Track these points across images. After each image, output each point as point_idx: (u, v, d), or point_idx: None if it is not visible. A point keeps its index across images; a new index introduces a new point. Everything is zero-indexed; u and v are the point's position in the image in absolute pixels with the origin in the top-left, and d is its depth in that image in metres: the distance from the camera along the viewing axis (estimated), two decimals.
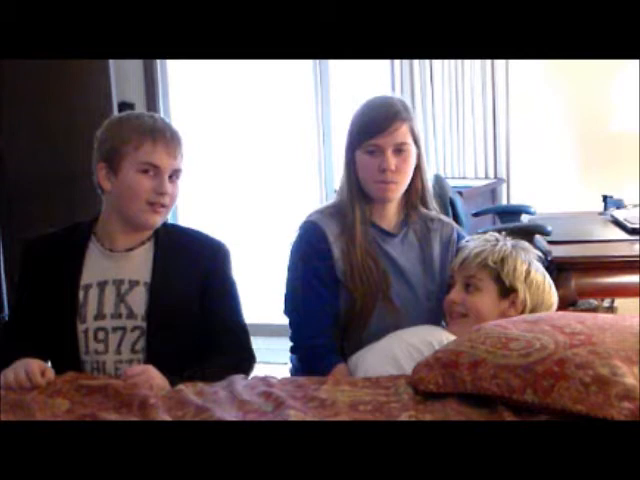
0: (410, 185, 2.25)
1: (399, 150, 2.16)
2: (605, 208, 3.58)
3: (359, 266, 2.18)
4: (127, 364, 2.04)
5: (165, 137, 2.00)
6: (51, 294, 2.05)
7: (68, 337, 2.04)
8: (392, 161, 2.14)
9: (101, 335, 2.04)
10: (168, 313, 2.05)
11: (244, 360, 2.14)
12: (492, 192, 4.26)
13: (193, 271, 2.11)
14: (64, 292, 2.04)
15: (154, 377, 1.89)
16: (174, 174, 2.04)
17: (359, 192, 2.22)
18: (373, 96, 2.28)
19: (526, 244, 2.22)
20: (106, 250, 2.08)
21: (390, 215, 2.26)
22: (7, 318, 3.23)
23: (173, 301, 2.06)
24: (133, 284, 2.06)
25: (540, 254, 2.27)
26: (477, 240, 2.21)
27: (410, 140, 2.17)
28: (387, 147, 2.15)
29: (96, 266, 2.08)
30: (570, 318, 1.82)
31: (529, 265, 2.13)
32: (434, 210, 2.34)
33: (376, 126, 2.16)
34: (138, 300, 2.05)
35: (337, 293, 2.21)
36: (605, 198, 3.62)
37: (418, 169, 2.23)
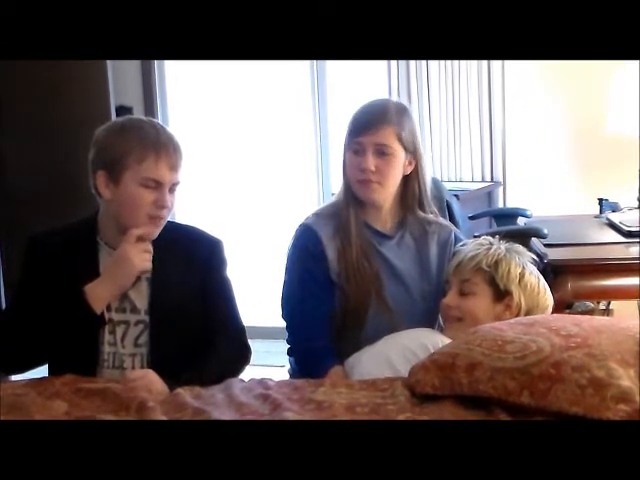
0: (406, 189, 2.26)
1: (382, 152, 2.17)
2: (601, 211, 3.59)
3: (353, 265, 2.19)
4: (130, 357, 2.07)
5: (168, 152, 2.01)
6: (66, 290, 2.03)
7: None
8: (371, 161, 2.16)
9: (110, 327, 2.07)
10: (170, 306, 2.07)
11: (240, 354, 2.17)
12: (488, 195, 4.26)
13: (192, 265, 2.13)
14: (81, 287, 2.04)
15: (154, 381, 1.91)
16: (173, 186, 2.05)
17: (352, 193, 2.24)
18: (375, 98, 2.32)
19: (520, 247, 2.22)
20: (110, 249, 2.10)
21: (385, 217, 2.27)
22: None
23: (174, 294, 2.09)
24: (135, 279, 2.08)
25: (536, 257, 2.28)
26: (471, 244, 2.22)
27: (395, 144, 2.18)
28: (368, 146, 2.16)
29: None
30: (566, 320, 1.83)
31: (523, 268, 2.13)
32: (433, 213, 2.35)
33: (360, 125, 2.19)
34: (141, 294, 2.09)
35: (333, 295, 2.22)
36: (601, 201, 3.62)
37: (415, 174, 2.25)
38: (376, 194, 2.21)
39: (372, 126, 2.17)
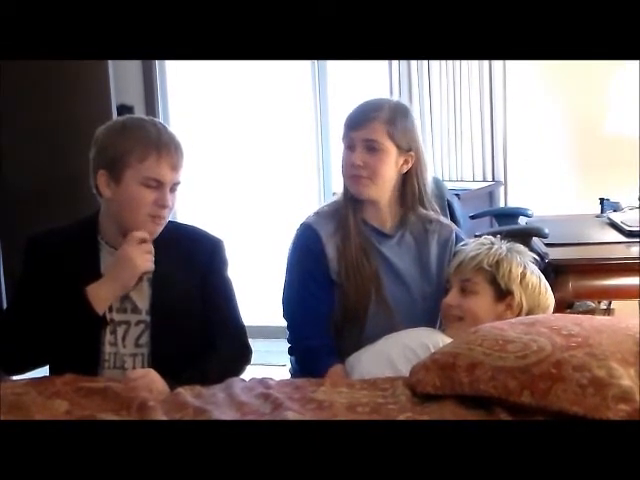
0: (404, 188, 2.26)
1: (371, 148, 2.18)
2: (602, 211, 3.59)
3: (353, 263, 2.20)
4: (131, 358, 2.07)
5: (170, 151, 2.01)
6: (68, 290, 2.03)
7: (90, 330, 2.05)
8: (360, 156, 2.18)
9: (111, 328, 2.07)
10: (171, 306, 2.08)
11: (241, 354, 2.17)
12: (489, 195, 4.26)
13: (192, 265, 2.13)
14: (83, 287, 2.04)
15: (155, 381, 1.92)
16: (174, 186, 2.05)
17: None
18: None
19: (521, 247, 2.22)
20: (110, 248, 2.10)
21: (384, 216, 2.28)
22: None
23: (175, 294, 2.09)
24: (137, 279, 2.07)
25: (537, 256, 2.28)
26: (472, 244, 2.22)
27: (385, 141, 2.18)
28: (357, 142, 2.19)
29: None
30: (567, 320, 1.82)
31: (524, 268, 2.13)
32: (434, 212, 2.35)
33: (352, 120, 2.22)
34: (142, 294, 2.09)
35: (333, 294, 2.22)
36: (602, 201, 3.62)
37: (413, 173, 2.25)
38: (367, 189, 2.21)
39: (362, 122, 2.19)
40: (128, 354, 2.07)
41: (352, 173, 2.20)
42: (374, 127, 2.18)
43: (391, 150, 2.19)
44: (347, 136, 2.22)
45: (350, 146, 2.21)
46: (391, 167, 2.20)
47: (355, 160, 2.18)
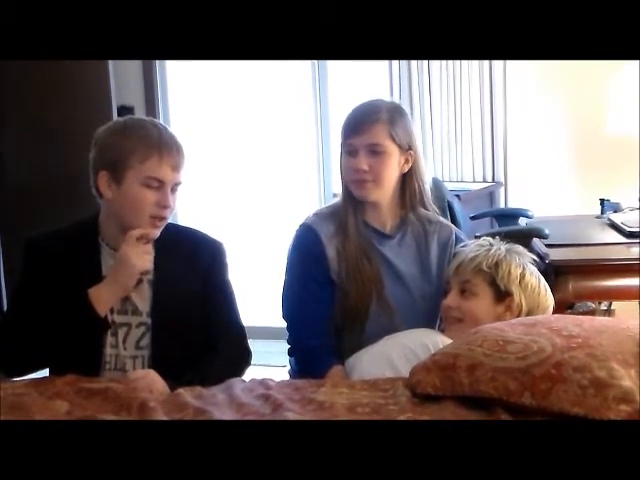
0: (404, 187, 2.26)
1: (374, 152, 2.18)
2: (602, 211, 3.59)
3: (353, 264, 2.20)
4: (131, 360, 2.07)
5: (171, 152, 2.01)
6: (69, 292, 2.03)
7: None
8: (364, 161, 2.17)
9: (112, 329, 2.07)
10: (171, 309, 2.07)
11: (241, 358, 2.17)
12: (490, 195, 4.26)
13: (193, 268, 2.13)
14: (85, 290, 2.04)
15: (155, 382, 1.92)
16: (175, 186, 2.05)
17: (351, 192, 2.24)
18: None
19: (520, 248, 2.22)
20: (111, 250, 2.09)
21: (385, 216, 2.27)
22: None
23: (176, 297, 2.09)
24: (137, 281, 2.07)
25: (538, 257, 2.27)
26: (472, 245, 2.22)
27: (388, 143, 2.18)
28: (360, 147, 2.18)
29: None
30: (567, 321, 1.82)
31: (523, 269, 2.13)
32: (433, 212, 2.35)
33: (352, 126, 2.21)
34: (142, 297, 2.09)
35: (333, 294, 2.22)
36: (602, 201, 3.62)
37: (413, 172, 2.25)
38: (372, 193, 2.21)
39: (363, 127, 2.18)
40: (129, 356, 2.07)
41: (356, 178, 2.19)
42: (376, 131, 2.17)
43: (394, 151, 2.19)
44: (348, 142, 2.20)
45: (351, 151, 2.20)
46: (394, 168, 2.21)
47: (360, 165, 2.17)
